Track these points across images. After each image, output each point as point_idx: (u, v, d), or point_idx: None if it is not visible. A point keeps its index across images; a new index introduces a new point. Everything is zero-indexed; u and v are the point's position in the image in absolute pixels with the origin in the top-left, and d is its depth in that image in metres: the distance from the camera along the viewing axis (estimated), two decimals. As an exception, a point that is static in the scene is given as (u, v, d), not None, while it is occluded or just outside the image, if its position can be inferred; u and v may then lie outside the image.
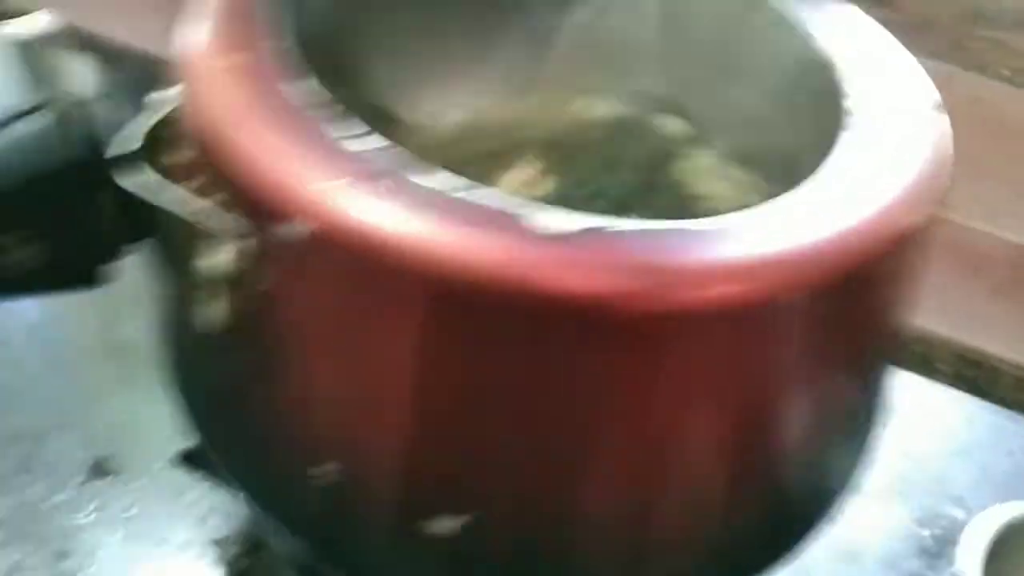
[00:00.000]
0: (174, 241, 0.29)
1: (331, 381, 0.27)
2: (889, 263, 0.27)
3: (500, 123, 0.40)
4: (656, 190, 0.40)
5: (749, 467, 0.29)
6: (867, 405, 0.34)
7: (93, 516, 0.42)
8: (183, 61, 0.29)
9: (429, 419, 0.26)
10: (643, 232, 0.23)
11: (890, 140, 0.29)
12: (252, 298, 0.26)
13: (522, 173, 0.41)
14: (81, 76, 0.32)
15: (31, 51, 0.32)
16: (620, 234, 0.23)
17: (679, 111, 0.39)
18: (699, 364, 0.24)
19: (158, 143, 0.30)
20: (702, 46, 0.37)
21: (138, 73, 0.34)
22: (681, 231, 0.24)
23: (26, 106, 0.30)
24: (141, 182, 0.29)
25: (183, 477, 0.43)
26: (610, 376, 0.24)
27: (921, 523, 0.47)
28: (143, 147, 0.30)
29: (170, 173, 0.29)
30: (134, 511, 0.42)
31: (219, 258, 0.26)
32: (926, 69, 0.64)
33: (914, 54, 0.65)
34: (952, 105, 0.68)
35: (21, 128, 0.30)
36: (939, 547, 0.46)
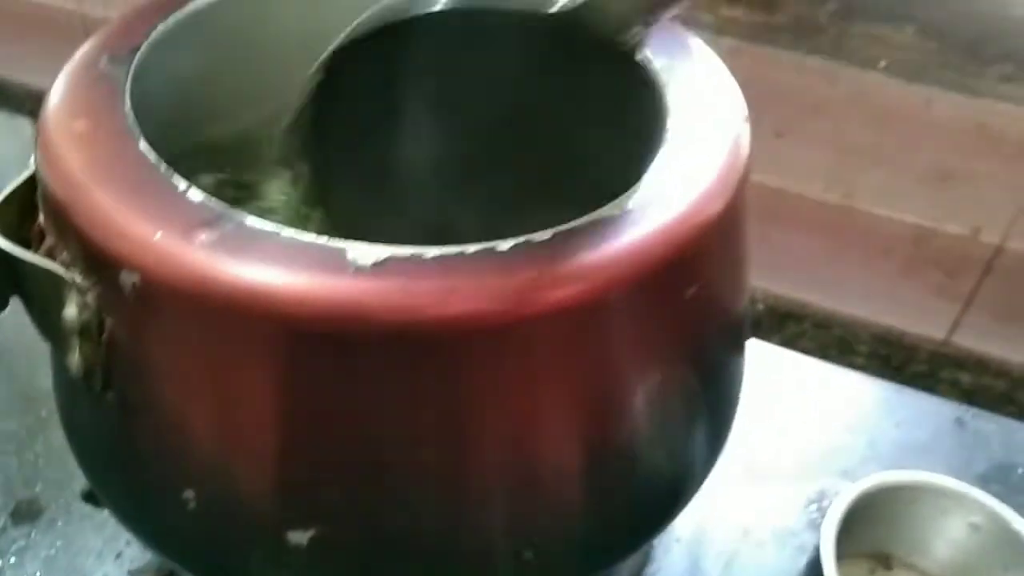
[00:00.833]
0: (38, 294, 0.31)
1: (186, 417, 0.29)
2: (701, 250, 0.30)
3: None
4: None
5: (602, 458, 0.31)
6: (715, 390, 0.36)
7: (13, 559, 0.44)
8: (39, 126, 0.32)
9: (275, 442, 0.28)
10: (440, 257, 0.26)
11: (698, 149, 0.32)
12: (105, 345, 0.29)
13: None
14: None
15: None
16: (419, 260, 0.26)
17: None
18: (487, 374, 0.26)
19: (24, 201, 0.33)
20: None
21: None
22: (479, 252, 0.26)
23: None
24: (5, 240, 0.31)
25: (101, 513, 0.45)
26: (425, 391, 0.26)
27: (810, 498, 0.49)
28: (8, 206, 0.32)
29: (32, 231, 0.31)
30: (53, 551, 0.44)
31: (71, 310, 0.29)
32: (811, 67, 0.68)
33: (798, 53, 0.68)
34: (839, 100, 0.71)
35: None
36: (826, 520, 0.49)
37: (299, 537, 0.29)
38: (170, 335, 0.28)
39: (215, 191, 0.29)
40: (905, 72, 0.64)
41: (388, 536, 0.30)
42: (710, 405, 0.36)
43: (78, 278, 0.28)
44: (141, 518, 0.33)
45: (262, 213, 0.28)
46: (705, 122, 0.33)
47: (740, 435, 0.52)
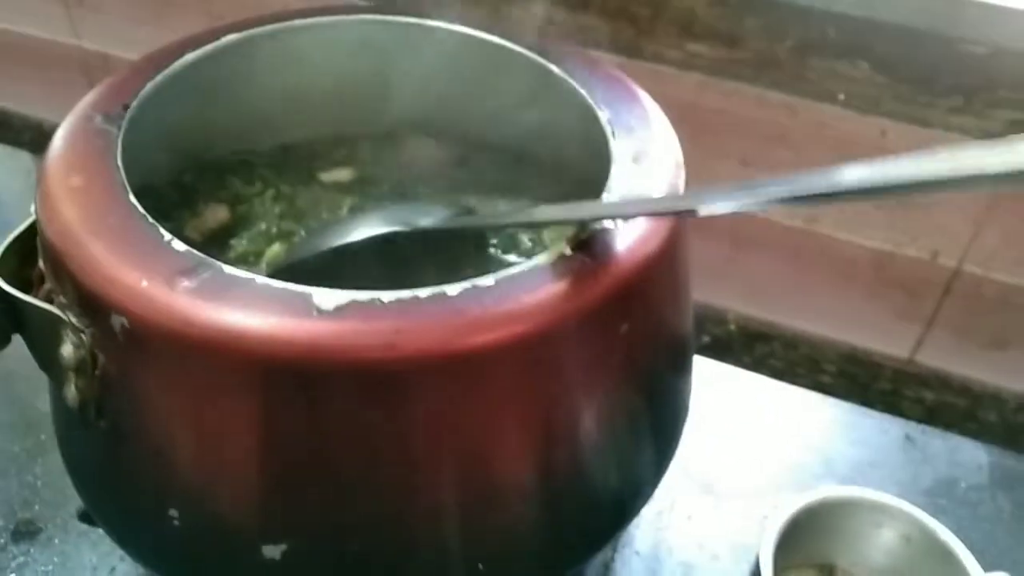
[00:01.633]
0: (38, 333, 0.34)
1: (171, 444, 0.32)
2: (633, 292, 0.33)
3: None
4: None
5: (548, 478, 0.34)
6: (659, 410, 0.39)
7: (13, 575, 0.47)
8: (39, 179, 0.35)
9: (250, 466, 0.31)
10: (396, 300, 0.29)
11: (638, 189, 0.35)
12: (98, 380, 0.32)
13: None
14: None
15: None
16: (377, 304, 0.29)
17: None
18: (437, 406, 0.30)
19: (25, 247, 0.36)
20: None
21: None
22: (430, 296, 0.29)
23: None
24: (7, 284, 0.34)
25: (96, 532, 0.48)
26: (381, 422, 0.30)
27: (765, 514, 0.52)
28: (11, 252, 0.35)
29: (33, 273, 0.35)
30: (51, 567, 0.47)
31: (67, 348, 0.32)
32: (772, 100, 0.71)
33: (760, 87, 0.72)
34: (799, 131, 0.74)
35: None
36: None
37: (273, 551, 0.32)
38: (156, 372, 0.31)
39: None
40: (861, 105, 0.67)
41: (352, 550, 0.33)
42: (654, 424, 0.39)
43: (74, 319, 0.31)
44: (131, 535, 0.36)
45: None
46: (642, 174, 0.36)
47: (699, 453, 0.56)
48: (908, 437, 0.58)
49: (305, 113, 0.48)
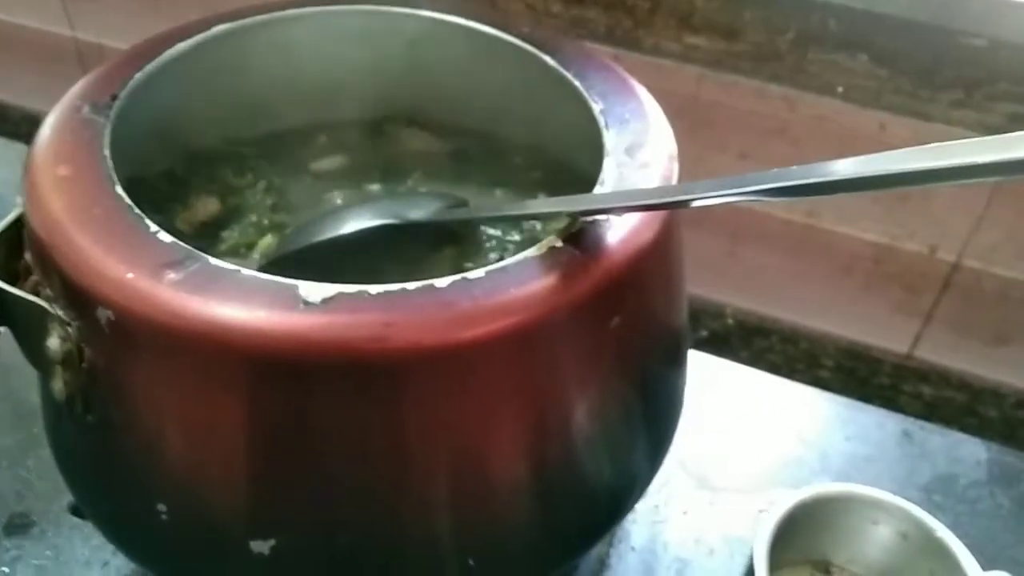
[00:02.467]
0: (25, 325, 0.34)
1: (158, 437, 0.32)
2: (623, 285, 0.32)
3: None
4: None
5: (540, 472, 0.34)
6: (653, 403, 0.39)
7: (7, 569, 0.47)
8: (25, 170, 0.34)
9: (238, 459, 0.31)
10: (383, 293, 0.29)
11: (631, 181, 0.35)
12: (85, 373, 0.31)
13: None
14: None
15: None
16: (364, 297, 0.28)
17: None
18: (426, 400, 0.29)
19: (13, 239, 0.36)
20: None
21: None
22: (419, 288, 0.29)
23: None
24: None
25: (89, 525, 0.48)
26: (370, 415, 0.29)
27: (761, 509, 0.52)
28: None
29: (21, 265, 0.34)
30: (45, 561, 0.47)
31: (54, 341, 0.31)
32: (772, 93, 0.70)
33: (759, 80, 0.71)
34: (799, 124, 0.74)
35: None
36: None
37: (261, 546, 0.32)
38: (142, 365, 0.30)
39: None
40: (860, 98, 0.67)
41: (342, 544, 0.32)
42: (648, 417, 0.39)
43: (60, 312, 0.31)
44: (120, 529, 0.36)
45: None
46: (635, 166, 0.36)
47: (695, 448, 0.56)
48: (906, 433, 0.57)
49: (296, 103, 0.48)
